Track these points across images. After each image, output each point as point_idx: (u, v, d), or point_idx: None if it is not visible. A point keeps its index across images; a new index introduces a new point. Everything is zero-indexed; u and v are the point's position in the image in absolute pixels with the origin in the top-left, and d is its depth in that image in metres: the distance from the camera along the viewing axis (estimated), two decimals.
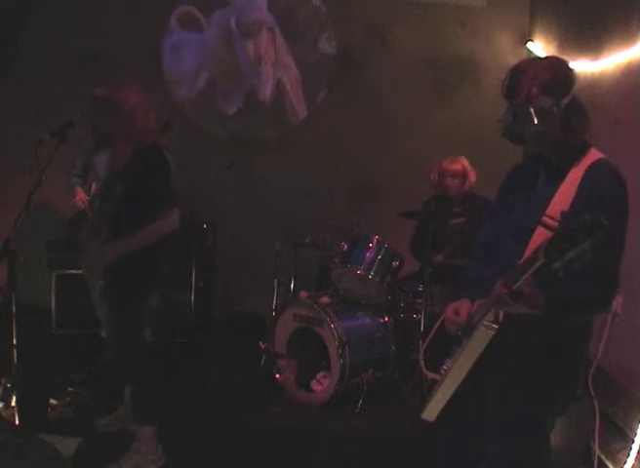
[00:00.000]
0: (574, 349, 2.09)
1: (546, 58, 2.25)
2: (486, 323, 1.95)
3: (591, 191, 1.96)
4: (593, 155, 2.04)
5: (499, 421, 2.11)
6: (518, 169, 2.28)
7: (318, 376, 4.06)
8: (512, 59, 5.22)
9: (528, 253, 1.91)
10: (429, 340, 2.29)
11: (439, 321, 2.24)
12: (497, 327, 1.94)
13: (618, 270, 1.97)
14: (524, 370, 2.04)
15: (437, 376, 2.16)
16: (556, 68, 2.01)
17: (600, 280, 1.91)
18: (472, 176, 4.46)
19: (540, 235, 1.94)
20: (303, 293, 4.23)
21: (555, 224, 1.85)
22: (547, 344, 2.01)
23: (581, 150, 2.04)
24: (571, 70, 2.04)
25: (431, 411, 2.11)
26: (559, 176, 2.02)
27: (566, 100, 1.97)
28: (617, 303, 3.36)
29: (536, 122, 1.95)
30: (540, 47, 5.18)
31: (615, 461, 3.14)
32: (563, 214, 1.83)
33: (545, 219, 1.91)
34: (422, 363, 2.31)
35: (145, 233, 2.96)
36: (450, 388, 2.05)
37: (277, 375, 4.12)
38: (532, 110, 1.95)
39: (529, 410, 2.06)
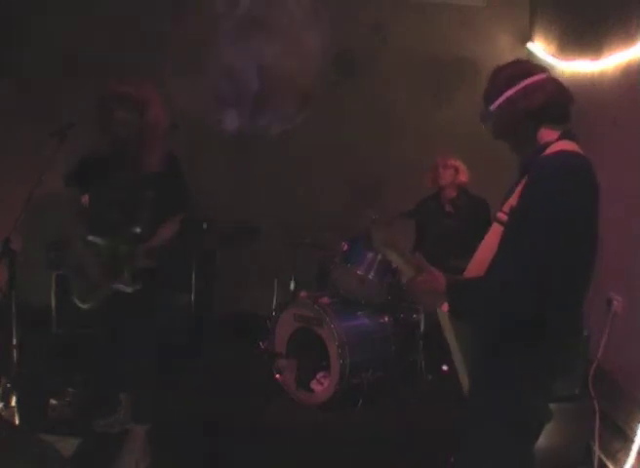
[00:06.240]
0: (528, 349, 1.88)
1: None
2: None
3: (528, 187, 1.85)
4: (558, 146, 1.88)
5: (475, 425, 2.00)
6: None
7: (318, 376, 4.06)
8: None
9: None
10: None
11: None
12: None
13: (535, 284, 1.75)
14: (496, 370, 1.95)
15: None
16: (492, 77, 2.05)
17: (509, 292, 1.78)
18: (463, 175, 4.47)
19: (495, 231, 1.93)
20: (303, 293, 4.23)
21: (506, 219, 1.86)
22: (498, 346, 1.92)
23: (544, 144, 1.92)
24: (502, 70, 2.03)
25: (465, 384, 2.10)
26: (524, 171, 1.93)
27: (499, 102, 1.98)
28: (617, 303, 3.37)
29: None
30: (540, 47, 5.17)
31: (615, 461, 3.14)
32: (512, 208, 1.82)
33: (499, 215, 1.91)
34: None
35: (164, 235, 2.97)
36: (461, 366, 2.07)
37: (277, 375, 4.12)
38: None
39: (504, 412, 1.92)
